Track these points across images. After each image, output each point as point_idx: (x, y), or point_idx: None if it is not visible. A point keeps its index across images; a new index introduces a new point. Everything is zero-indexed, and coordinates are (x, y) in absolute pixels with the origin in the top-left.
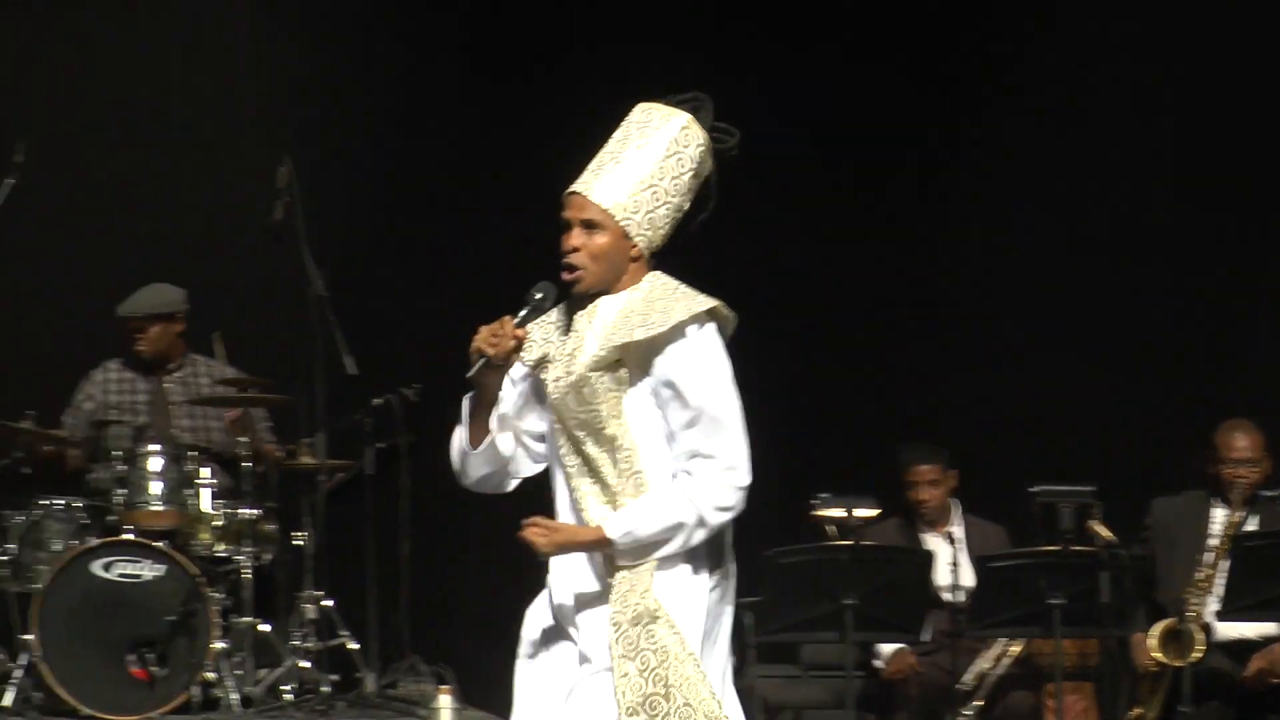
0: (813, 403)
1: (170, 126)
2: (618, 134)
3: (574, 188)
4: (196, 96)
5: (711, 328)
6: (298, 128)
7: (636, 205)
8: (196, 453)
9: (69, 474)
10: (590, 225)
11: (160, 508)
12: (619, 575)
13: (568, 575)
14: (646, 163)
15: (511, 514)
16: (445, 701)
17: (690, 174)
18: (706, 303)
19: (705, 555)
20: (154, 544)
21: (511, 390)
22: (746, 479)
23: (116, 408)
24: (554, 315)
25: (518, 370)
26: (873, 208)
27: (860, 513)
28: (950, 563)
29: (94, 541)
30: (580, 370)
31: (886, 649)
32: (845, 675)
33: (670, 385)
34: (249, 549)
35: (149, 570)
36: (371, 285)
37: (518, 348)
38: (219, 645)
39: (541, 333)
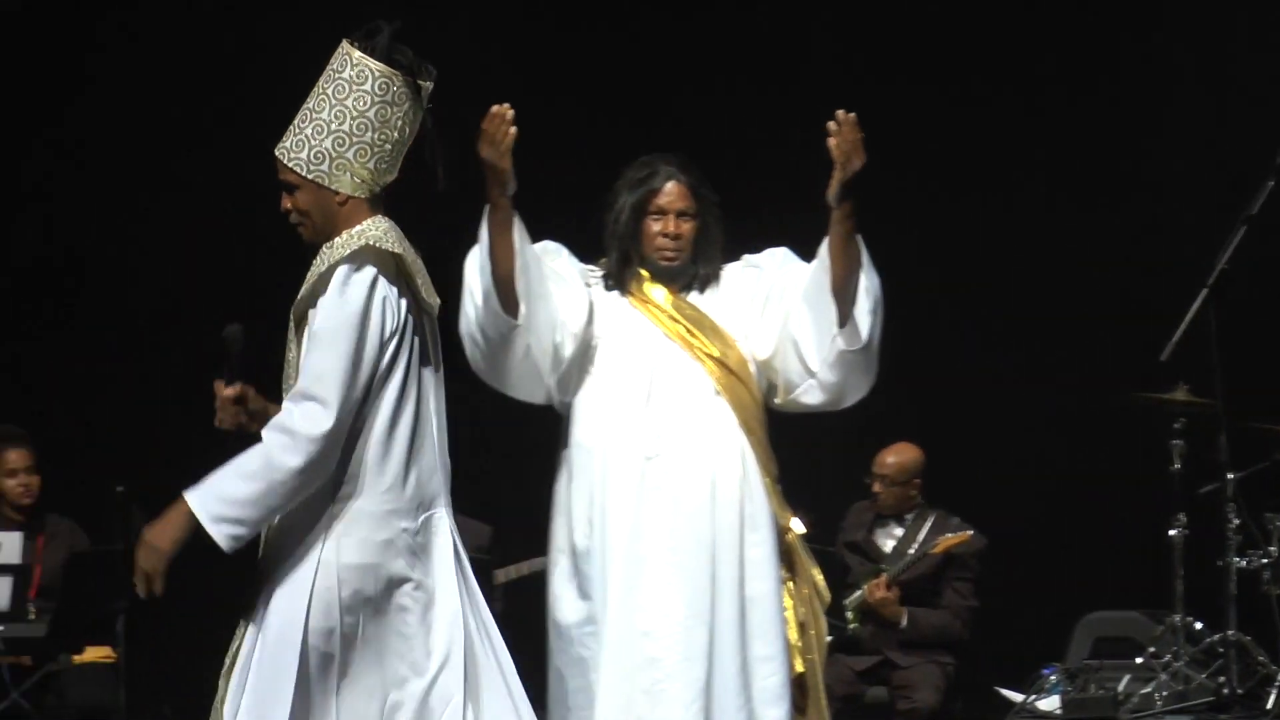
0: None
1: None
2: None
3: (276, 150)
4: None
5: (366, 272)
6: None
7: (322, 155)
8: None
9: None
10: (287, 185)
11: None
12: None
13: None
14: (325, 108)
15: None
16: None
17: (374, 105)
18: (357, 244)
19: None
20: None
21: None
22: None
23: None
24: None
25: None
26: None
27: None
28: None
29: None
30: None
31: None
32: None
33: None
34: None
35: None
36: None
37: (236, 400)
38: None
39: None
